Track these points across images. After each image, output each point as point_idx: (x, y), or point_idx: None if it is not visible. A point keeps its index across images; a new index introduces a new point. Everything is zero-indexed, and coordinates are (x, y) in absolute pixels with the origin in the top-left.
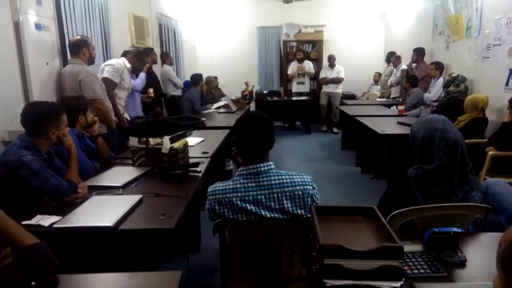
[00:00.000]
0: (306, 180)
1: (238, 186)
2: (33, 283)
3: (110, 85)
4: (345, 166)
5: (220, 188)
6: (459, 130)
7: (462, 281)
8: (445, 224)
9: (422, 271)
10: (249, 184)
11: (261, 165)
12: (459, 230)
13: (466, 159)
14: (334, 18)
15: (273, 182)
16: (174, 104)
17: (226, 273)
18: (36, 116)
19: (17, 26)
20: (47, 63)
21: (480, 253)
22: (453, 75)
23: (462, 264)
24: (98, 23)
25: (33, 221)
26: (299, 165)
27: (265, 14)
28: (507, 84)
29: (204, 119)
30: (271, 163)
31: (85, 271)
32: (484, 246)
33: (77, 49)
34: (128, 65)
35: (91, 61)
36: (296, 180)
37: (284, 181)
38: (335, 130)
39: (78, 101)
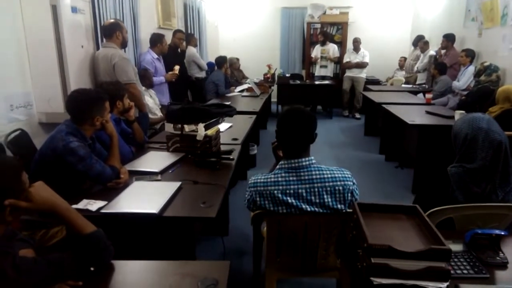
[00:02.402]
0: (346, 175)
1: (280, 179)
2: (92, 268)
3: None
4: (368, 153)
5: (262, 180)
6: None
7: (505, 283)
8: (483, 223)
9: (465, 271)
10: (291, 178)
11: (303, 159)
12: (502, 233)
13: (509, 159)
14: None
15: (314, 176)
16: (199, 87)
17: (258, 261)
18: (82, 104)
19: (54, 10)
20: (82, 46)
21: None
22: (485, 64)
23: (504, 265)
24: (127, 5)
25: (81, 205)
26: (321, 151)
27: None
28: None
29: (229, 102)
30: (312, 157)
31: (125, 256)
32: None
33: (111, 32)
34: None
35: (124, 44)
36: (337, 175)
37: (325, 176)
38: (357, 115)
39: (116, 86)
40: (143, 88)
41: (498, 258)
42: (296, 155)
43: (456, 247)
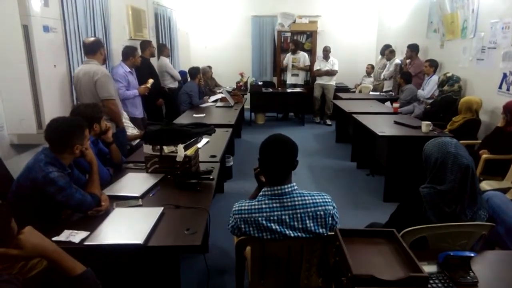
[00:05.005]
0: (327, 200)
1: (263, 206)
2: None
3: None
4: (340, 161)
5: (246, 207)
6: (454, 131)
7: None
8: (454, 241)
9: None
10: (274, 205)
11: (285, 186)
12: (472, 254)
13: (476, 181)
14: (328, 9)
15: (296, 203)
16: (172, 97)
17: (241, 283)
18: (62, 133)
19: (26, 30)
20: (55, 65)
21: (489, 273)
22: (448, 74)
23: (474, 285)
24: (99, 19)
25: (63, 237)
26: None
27: (259, 2)
28: (500, 87)
29: (204, 114)
30: (294, 184)
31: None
32: (492, 265)
33: (94, 49)
34: None
35: (105, 60)
36: (318, 200)
37: (307, 201)
38: (328, 122)
39: (93, 109)
40: None
41: (468, 277)
42: (278, 182)
43: (431, 268)
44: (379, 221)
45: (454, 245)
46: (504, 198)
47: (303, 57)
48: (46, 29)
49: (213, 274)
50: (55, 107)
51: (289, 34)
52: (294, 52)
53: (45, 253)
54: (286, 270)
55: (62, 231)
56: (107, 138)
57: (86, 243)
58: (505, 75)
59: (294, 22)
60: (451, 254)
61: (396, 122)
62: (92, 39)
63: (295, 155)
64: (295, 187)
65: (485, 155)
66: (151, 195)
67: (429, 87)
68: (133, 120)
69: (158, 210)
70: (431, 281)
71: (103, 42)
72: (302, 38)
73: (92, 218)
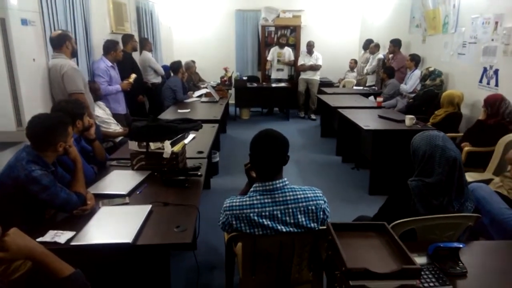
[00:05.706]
0: (318, 195)
1: (255, 202)
2: None
3: None
4: (325, 155)
5: (237, 204)
6: (436, 124)
7: None
8: (441, 232)
9: (431, 284)
10: (265, 200)
11: (277, 181)
12: (461, 245)
13: (463, 173)
14: (312, 3)
15: (288, 198)
16: (155, 92)
17: (231, 279)
18: (44, 131)
19: (3, 23)
20: (34, 60)
21: (477, 263)
22: (430, 69)
23: (464, 275)
24: (79, 12)
25: (47, 237)
26: None
27: None
28: (480, 81)
29: (189, 110)
30: (285, 179)
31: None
32: (479, 255)
33: (60, 43)
34: None
35: (73, 54)
36: (309, 195)
37: (299, 196)
38: (313, 116)
39: (76, 105)
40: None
41: (458, 268)
42: (270, 177)
43: (421, 259)
44: (365, 214)
45: (441, 237)
46: (489, 190)
47: (288, 52)
48: (24, 22)
49: (202, 271)
50: (35, 103)
51: (273, 29)
52: (282, 46)
53: (32, 255)
54: (277, 265)
55: (47, 232)
56: (89, 135)
57: (72, 243)
58: (485, 69)
59: (278, 16)
60: (441, 245)
61: (380, 116)
62: (58, 32)
63: (286, 150)
64: (286, 182)
65: (467, 147)
66: (138, 192)
67: (411, 82)
68: (115, 116)
69: (146, 208)
70: (422, 273)
71: (71, 35)
72: (286, 33)
73: (77, 218)
